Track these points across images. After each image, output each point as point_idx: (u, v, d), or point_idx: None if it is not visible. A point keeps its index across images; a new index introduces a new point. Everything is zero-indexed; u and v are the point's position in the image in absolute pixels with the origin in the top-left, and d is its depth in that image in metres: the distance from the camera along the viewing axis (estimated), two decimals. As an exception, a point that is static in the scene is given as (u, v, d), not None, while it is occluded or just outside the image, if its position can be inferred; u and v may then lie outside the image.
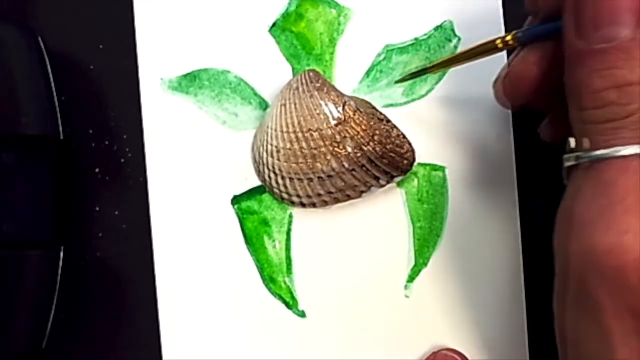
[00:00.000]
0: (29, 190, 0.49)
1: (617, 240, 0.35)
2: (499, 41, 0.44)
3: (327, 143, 0.48)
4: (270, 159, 0.49)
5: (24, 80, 0.48)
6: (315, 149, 0.48)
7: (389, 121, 0.50)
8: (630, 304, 0.35)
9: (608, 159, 0.36)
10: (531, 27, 0.43)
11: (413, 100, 0.52)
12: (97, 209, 0.52)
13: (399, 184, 0.52)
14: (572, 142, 0.39)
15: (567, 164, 0.39)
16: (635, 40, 0.35)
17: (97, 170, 0.52)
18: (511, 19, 0.49)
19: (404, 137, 0.50)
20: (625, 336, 0.36)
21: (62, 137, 0.50)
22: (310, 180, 0.49)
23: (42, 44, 0.49)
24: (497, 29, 0.46)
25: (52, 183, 0.50)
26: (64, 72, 0.51)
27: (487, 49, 0.45)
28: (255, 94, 0.52)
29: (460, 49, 0.51)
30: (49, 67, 0.49)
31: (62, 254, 0.50)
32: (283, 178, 0.49)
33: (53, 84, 0.49)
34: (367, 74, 0.52)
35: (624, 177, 0.36)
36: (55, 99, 0.49)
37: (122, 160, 0.52)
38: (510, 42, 0.44)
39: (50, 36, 0.50)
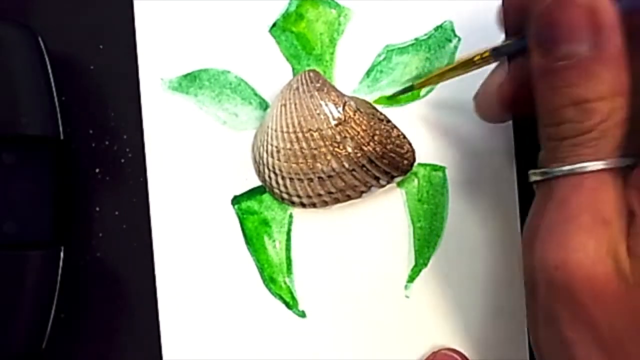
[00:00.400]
0: (29, 190, 0.49)
1: (566, 257, 0.36)
2: (477, 57, 0.45)
3: (327, 143, 0.48)
4: (270, 159, 0.49)
5: (24, 80, 0.48)
6: (315, 149, 0.48)
7: (389, 121, 0.50)
8: (583, 317, 0.36)
9: (564, 175, 0.37)
10: (504, 44, 0.44)
11: (413, 100, 0.52)
12: (97, 209, 0.52)
13: (399, 184, 0.52)
14: (540, 156, 0.40)
15: (532, 178, 0.40)
16: (593, 57, 0.36)
17: (97, 170, 0.52)
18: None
19: (404, 137, 0.50)
20: (586, 347, 0.36)
21: (62, 137, 0.50)
22: (310, 180, 0.49)
23: (42, 44, 0.49)
24: (496, 29, 0.46)
25: (52, 183, 0.50)
26: (64, 72, 0.51)
27: (466, 64, 0.46)
28: (255, 94, 0.52)
29: (435, 70, 0.51)
30: (49, 67, 0.49)
31: (62, 254, 0.50)
32: (283, 178, 0.49)
33: (53, 84, 0.49)
34: (367, 74, 0.52)
35: (576, 195, 0.37)
36: (55, 99, 0.49)
37: (122, 160, 0.52)
38: (487, 58, 0.44)
39: (50, 36, 0.50)
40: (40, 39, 0.49)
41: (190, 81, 0.52)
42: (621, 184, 0.37)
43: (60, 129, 0.50)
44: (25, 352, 0.49)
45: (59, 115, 0.50)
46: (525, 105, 0.41)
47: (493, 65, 0.46)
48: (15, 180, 0.49)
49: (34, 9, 0.52)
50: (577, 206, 0.36)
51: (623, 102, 0.36)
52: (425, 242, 0.52)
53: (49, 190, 0.50)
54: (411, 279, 0.52)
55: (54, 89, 0.49)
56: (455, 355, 0.51)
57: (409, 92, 0.51)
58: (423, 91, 0.52)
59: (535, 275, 0.38)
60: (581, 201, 0.36)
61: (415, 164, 0.50)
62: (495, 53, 0.44)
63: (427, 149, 0.51)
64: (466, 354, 0.51)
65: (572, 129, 0.37)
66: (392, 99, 0.52)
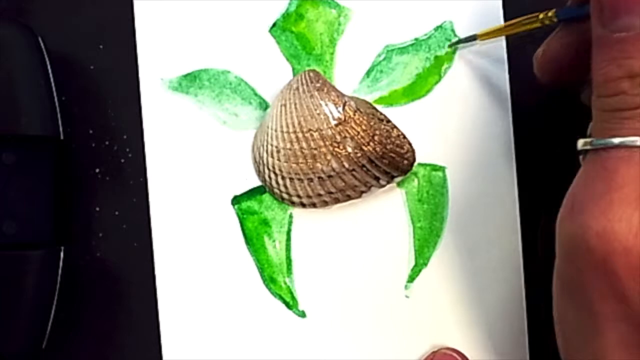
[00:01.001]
0: (29, 190, 0.49)
1: (608, 226, 0.35)
2: (541, 15, 0.44)
3: (327, 143, 0.48)
4: (270, 159, 0.49)
5: (24, 80, 0.48)
6: (315, 149, 0.48)
7: (389, 121, 0.50)
8: (617, 289, 0.35)
9: (613, 147, 0.36)
10: (570, 7, 0.44)
11: (413, 100, 0.52)
12: (97, 209, 0.52)
13: (399, 184, 0.52)
14: (590, 126, 0.39)
15: (580, 147, 0.39)
16: None
17: (97, 170, 0.52)
18: (511, 18, 0.49)
19: (404, 137, 0.50)
20: (613, 321, 0.36)
21: (62, 137, 0.50)
22: (310, 180, 0.49)
23: (42, 44, 0.49)
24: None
25: (52, 183, 0.50)
26: (64, 72, 0.51)
27: (530, 22, 0.46)
28: (255, 94, 0.52)
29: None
30: (49, 67, 0.49)
31: (62, 254, 0.50)
32: (283, 178, 0.49)
33: (53, 84, 0.49)
34: (367, 74, 0.52)
35: (625, 167, 0.36)
36: (55, 99, 0.49)
37: (122, 160, 0.52)
38: (551, 18, 0.44)
39: (50, 36, 0.50)
40: (40, 39, 0.49)
41: (190, 81, 0.52)
42: None
43: (60, 129, 0.50)
44: (25, 352, 0.49)
45: (59, 115, 0.50)
46: (580, 72, 0.41)
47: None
48: (15, 180, 0.49)
49: (34, 9, 0.52)
50: (625, 178, 0.36)
51: None
52: (425, 242, 0.52)
53: (49, 190, 0.50)
54: (411, 279, 0.52)
55: (54, 89, 0.49)
56: (455, 355, 0.51)
57: (471, 41, 0.50)
58: (423, 91, 0.52)
59: (575, 243, 0.37)
60: (630, 174, 0.36)
61: (415, 164, 0.50)
62: (560, 15, 0.43)
63: (427, 149, 0.51)
64: (466, 353, 0.51)
65: (626, 101, 0.36)
66: (386, 87, 0.52)
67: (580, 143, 0.39)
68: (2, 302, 0.48)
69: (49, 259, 0.49)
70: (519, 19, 0.47)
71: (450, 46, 0.52)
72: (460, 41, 0.51)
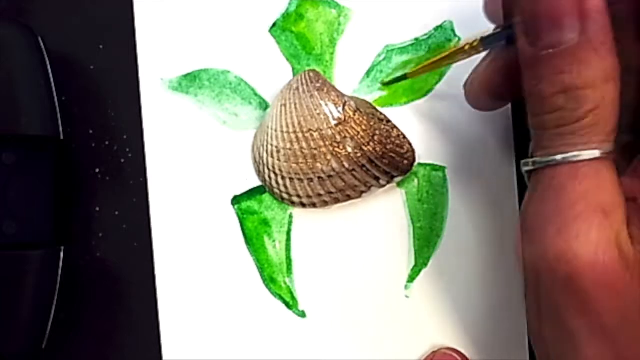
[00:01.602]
0: (29, 190, 0.49)
1: (567, 246, 0.35)
2: (467, 47, 0.45)
3: (327, 143, 0.48)
4: (270, 159, 0.49)
5: (24, 80, 0.48)
6: (315, 149, 0.48)
7: (389, 121, 0.50)
8: (587, 305, 0.36)
9: (557, 164, 0.37)
10: (494, 33, 0.44)
11: (413, 100, 0.52)
12: (97, 209, 0.52)
13: (399, 184, 0.52)
14: (531, 147, 0.39)
15: (524, 168, 0.39)
16: (581, 43, 0.35)
17: (97, 170, 0.52)
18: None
19: (404, 137, 0.50)
20: (588, 335, 0.36)
21: (62, 137, 0.50)
22: (310, 180, 0.49)
23: (42, 44, 0.49)
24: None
25: (52, 183, 0.50)
26: (64, 72, 0.51)
27: (456, 53, 0.46)
28: (255, 94, 0.52)
29: (426, 60, 0.51)
30: (49, 67, 0.49)
31: (62, 254, 0.50)
32: (283, 178, 0.49)
33: (53, 84, 0.49)
34: (367, 74, 0.52)
35: (572, 182, 0.36)
36: (55, 99, 0.49)
37: (122, 160, 0.52)
38: (477, 47, 0.44)
39: (50, 36, 0.50)
40: (40, 39, 0.49)
41: (190, 81, 0.52)
42: (616, 170, 0.37)
43: (60, 129, 0.50)
44: (25, 352, 0.49)
45: (59, 115, 0.50)
46: (514, 94, 0.41)
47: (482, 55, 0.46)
48: (15, 180, 0.49)
49: (34, 9, 0.52)
50: (574, 195, 0.36)
51: (614, 88, 0.36)
52: (425, 242, 0.52)
53: (49, 190, 0.50)
54: (411, 279, 0.52)
55: (54, 89, 0.49)
56: (455, 355, 0.51)
57: (402, 80, 0.51)
58: (423, 91, 0.52)
59: (536, 266, 0.37)
60: (578, 190, 0.36)
61: (415, 164, 0.50)
62: (484, 42, 0.44)
63: (427, 149, 0.51)
64: (466, 353, 0.51)
65: (564, 117, 0.36)
66: (386, 87, 0.52)
67: (523, 163, 0.39)
68: (2, 302, 0.48)
69: (49, 259, 0.49)
70: (446, 52, 0.47)
71: (384, 85, 0.52)
72: (391, 81, 0.51)
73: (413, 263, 0.52)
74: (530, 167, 0.38)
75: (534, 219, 0.38)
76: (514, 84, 0.40)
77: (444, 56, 0.47)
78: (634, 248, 0.35)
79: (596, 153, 0.36)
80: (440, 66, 0.48)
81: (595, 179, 0.36)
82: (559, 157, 0.36)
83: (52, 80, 0.49)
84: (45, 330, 0.49)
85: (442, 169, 0.52)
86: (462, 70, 0.48)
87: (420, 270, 0.52)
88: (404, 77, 0.50)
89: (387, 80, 0.52)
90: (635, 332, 0.36)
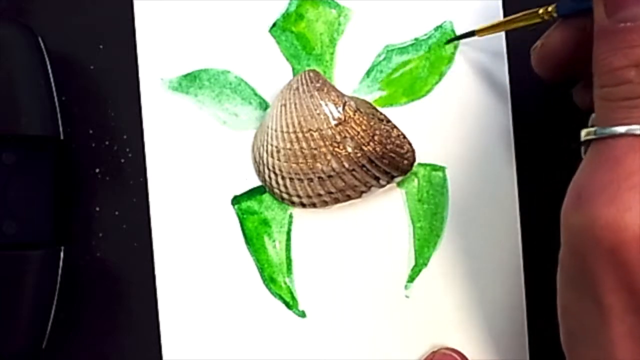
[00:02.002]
0: (29, 190, 0.49)
1: (618, 216, 0.35)
2: (541, 11, 0.44)
3: (327, 143, 0.48)
4: (270, 159, 0.49)
5: (24, 80, 0.48)
6: (315, 149, 0.48)
7: (389, 121, 0.50)
8: (628, 280, 0.35)
9: (620, 135, 0.36)
10: (571, 1, 0.44)
11: (413, 100, 0.52)
12: (97, 209, 0.52)
13: (399, 184, 0.52)
14: (592, 117, 0.39)
15: (584, 137, 0.39)
16: None
17: (97, 170, 0.52)
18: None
19: (404, 137, 0.50)
20: (622, 312, 0.36)
21: (62, 137, 0.50)
22: (310, 180, 0.49)
23: (42, 44, 0.49)
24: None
25: (52, 183, 0.50)
26: (64, 72, 0.51)
27: (530, 17, 0.46)
28: (255, 94, 0.52)
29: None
30: (49, 67, 0.49)
31: (62, 254, 0.50)
32: (283, 178, 0.49)
33: (53, 84, 0.49)
34: (367, 74, 0.52)
35: (633, 155, 0.36)
36: (55, 99, 0.50)
37: (122, 160, 0.52)
38: (551, 13, 0.44)
39: (50, 36, 0.50)
40: (40, 39, 0.49)
41: (190, 81, 0.52)
42: None
43: (60, 129, 0.50)
44: (25, 352, 0.49)
45: (59, 115, 0.50)
46: (576, 67, 0.42)
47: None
48: (15, 180, 0.49)
49: (34, 9, 0.52)
50: (632, 166, 0.35)
51: None
52: (425, 242, 0.52)
53: (49, 190, 0.50)
54: (411, 278, 0.52)
55: (54, 89, 0.49)
56: (454, 355, 0.51)
57: (470, 37, 0.50)
58: (423, 91, 0.52)
59: (580, 235, 0.37)
60: (636, 162, 0.35)
61: (415, 164, 0.50)
62: (560, 8, 0.43)
63: (427, 149, 0.51)
64: (466, 353, 0.51)
65: (631, 90, 0.36)
66: (387, 87, 0.52)
67: (584, 133, 0.39)
68: (2, 302, 0.48)
69: (49, 259, 0.49)
70: (519, 14, 0.47)
71: (448, 42, 0.52)
72: (459, 37, 0.51)
73: (413, 263, 0.52)
74: (591, 137, 0.38)
75: (587, 187, 0.37)
76: (580, 55, 0.41)
77: (518, 17, 0.47)
78: None
79: None
80: (510, 27, 0.48)
81: None
82: (622, 129, 0.36)
83: (52, 80, 0.49)
84: (45, 330, 0.49)
85: (442, 169, 0.51)
86: (462, 70, 0.48)
87: (420, 270, 0.52)
88: (472, 34, 0.50)
89: (452, 37, 0.52)
90: None
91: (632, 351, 0.36)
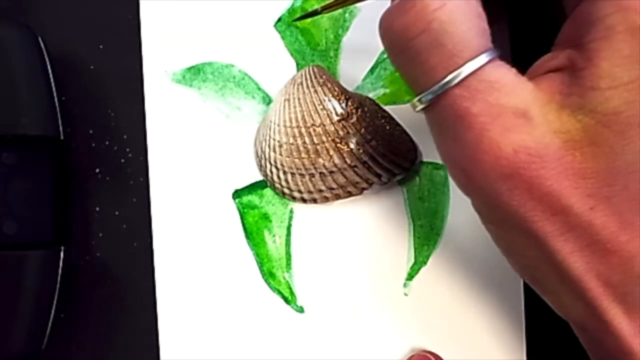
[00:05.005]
0: (29, 190, 0.49)
1: (505, 150, 0.35)
2: None
3: (329, 138, 0.48)
4: (272, 154, 0.49)
5: (24, 80, 0.49)
6: (318, 144, 0.48)
7: (392, 118, 0.50)
8: (548, 202, 0.35)
9: (452, 88, 0.36)
10: None
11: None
12: (97, 209, 0.52)
13: (400, 182, 0.52)
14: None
15: (419, 107, 0.38)
16: None
17: (97, 170, 0.52)
18: (511, 18, 0.50)
19: (407, 134, 0.50)
20: (560, 235, 0.35)
21: (62, 137, 0.50)
22: (312, 175, 0.49)
23: (42, 44, 0.50)
24: (498, 28, 0.46)
25: (52, 183, 0.50)
26: (64, 72, 0.51)
27: None
28: (259, 88, 0.52)
29: None
30: (49, 67, 0.50)
31: (62, 254, 0.50)
32: (284, 173, 0.49)
33: (53, 84, 0.50)
34: (372, 70, 0.52)
35: (468, 102, 0.35)
36: (55, 99, 0.50)
37: (122, 160, 0.52)
38: None
39: (50, 36, 0.51)
40: (40, 39, 0.50)
41: (194, 74, 0.52)
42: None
43: (60, 129, 0.50)
44: (25, 352, 0.49)
45: (59, 115, 0.50)
46: None
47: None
48: (15, 180, 0.49)
49: (34, 9, 0.52)
50: (490, 108, 0.35)
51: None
52: (425, 241, 0.52)
53: (49, 190, 0.50)
54: (410, 276, 0.52)
55: (54, 89, 0.50)
56: (430, 356, 0.51)
57: (315, 15, 0.49)
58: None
59: (488, 189, 0.36)
60: (490, 101, 0.35)
61: (417, 162, 0.51)
62: None
63: (429, 147, 0.51)
64: (463, 353, 0.51)
65: (426, 41, 0.35)
66: (389, 85, 0.52)
67: (417, 103, 0.38)
68: (2, 302, 0.47)
69: (49, 259, 0.49)
70: None
71: (294, 21, 0.52)
72: (304, 16, 0.50)
73: (412, 261, 0.52)
74: (425, 104, 0.37)
75: (462, 149, 0.36)
76: None
77: None
78: (576, 119, 0.34)
79: (483, 58, 0.35)
80: (353, 1, 0.46)
81: (499, 84, 0.35)
82: (447, 78, 0.35)
83: (52, 80, 0.50)
84: (45, 330, 0.49)
85: (443, 167, 0.52)
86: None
87: (419, 268, 0.52)
88: (316, 12, 0.48)
89: (298, 17, 0.51)
90: (605, 209, 0.35)
91: (586, 262, 0.35)
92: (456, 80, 0.35)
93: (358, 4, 0.47)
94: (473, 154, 0.36)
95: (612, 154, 0.34)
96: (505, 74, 0.35)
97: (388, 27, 0.37)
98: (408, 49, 0.36)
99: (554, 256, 0.36)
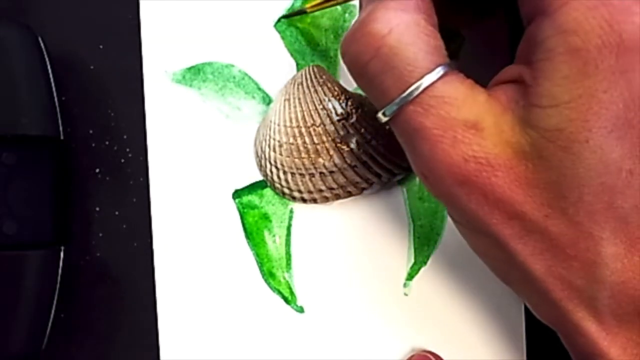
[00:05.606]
0: (29, 190, 0.49)
1: (463, 164, 0.36)
2: None
3: (329, 138, 0.48)
4: (272, 153, 0.49)
5: (24, 80, 0.49)
6: (318, 144, 0.48)
7: (391, 118, 0.50)
8: (505, 207, 0.36)
9: (407, 103, 0.37)
10: None
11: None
12: (97, 209, 0.52)
13: (400, 182, 0.52)
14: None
15: (384, 119, 0.39)
16: None
17: (97, 170, 0.52)
18: (512, 17, 0.50)
19: (406, 134, 0.50)
20: (519, 237, 0.37)
21: (62, 137, 0.50)
22: (312, 175, 0.49)
23: (42, 44, 0.50)
24: (499, 28, 0.46)
25: (52, 183, 0.50)
26: (64, 72, 0.51)
27: None
28: (259, 88, 0.52)
29: None
30: (49, 67, 0.50)
31: (62, 254, 0.50)
32: (285, 173, 0.49)
33: (53, 84, 0.50)
34: (371, 70, 0.52)
35: (439, 108, 0.37)
36: (55, 99, 0.50)
37: (122, 160, 0.52)
38: None
39: (50, 36, 0.51)
40: (40, 39, 0.50)
41: (194, 74, 0.52)
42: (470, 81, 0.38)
43: (60, 129, 0.50)
44: (25, 352, 0.49)
45: (59, 115, 0.50)
46: None
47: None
48: (15, 180, 0.49)
49: (34, 9, 0.52)
50: (442, 121, 0.36)
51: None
52: (425, 241, 0.52)
53: (49, 190, 0.50)
54: (410, 276, 0.52)
55: (54, 89, 0.50)
56: (430, 356, 0.51)
57: (302, 14, 0.50)
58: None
59: (445, 194, 0.38)
60: (442, 115, 0.36)
61: (417, 161, 0.51)
62: None
63: (428, 146, 0.51)
64: (463, 352, 0.51)
65: (378, 65, 0.37)
66: (284, 19, 0.52)
67: (381, 117, 0.39)
68: (2, 302, 0.47)
69: (49, 259, 0.49)
70: None
71: (283, 18, 0.52)
72: (290, 15, 0.51)
73: (412, 261, 0.52)
74: (389, 117, 0.39)
75: (428, 161, 0.38)
76: None
77: None
78: (525, 132, 0.36)
79: (434, 75, 0.37)
80: (339, 2, 0.47)
81: (451, 98, 0.37)
82: (400, 97, 0.37)
83: (52, 80, 0.50)
84: (45, 330, 0.49)
85: (443, 167, 0.52)
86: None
87: (419, 269, 0.52)
88: (303, 12, 0.49)
89: (285, 14, 0.52)
90: (560, 218, 0.36)
91: (547, 265, 0.37)
92: (409, 98, 0.37)
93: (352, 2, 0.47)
94: (430, 163, 0.37)
95: (563, 168, 0.35)
96: (456, 88, 0.37)
97: (345, 53, 0.39)
98: (364, 73, 0.38)
99: (515, 258, 0.37)
